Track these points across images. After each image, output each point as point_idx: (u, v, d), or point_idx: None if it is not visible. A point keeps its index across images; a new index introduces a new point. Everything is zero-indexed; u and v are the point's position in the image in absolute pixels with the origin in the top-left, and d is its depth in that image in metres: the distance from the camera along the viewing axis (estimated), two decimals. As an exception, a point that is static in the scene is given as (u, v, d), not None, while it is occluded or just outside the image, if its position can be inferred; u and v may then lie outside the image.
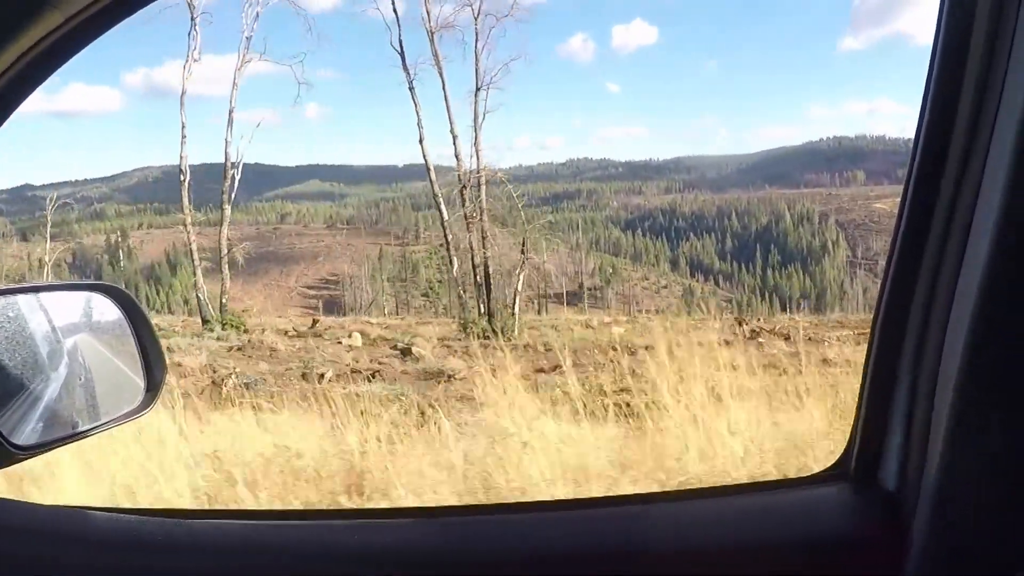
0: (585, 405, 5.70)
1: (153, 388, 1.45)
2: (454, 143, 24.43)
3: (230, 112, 25.75)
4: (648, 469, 4.62)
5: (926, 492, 1.01)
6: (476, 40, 25.20)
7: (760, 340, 13.15)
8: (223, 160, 25.76)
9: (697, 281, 76.51)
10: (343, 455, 5.26)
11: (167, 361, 1.55)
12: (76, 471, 4.78)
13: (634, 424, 5.49)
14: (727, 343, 7.05)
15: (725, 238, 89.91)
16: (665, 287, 74.01)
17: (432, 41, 24.36)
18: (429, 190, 26.23)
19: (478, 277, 23.39)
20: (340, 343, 17.55)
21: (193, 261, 25.36)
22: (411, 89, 24.48)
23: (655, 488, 4.27)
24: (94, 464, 4.98)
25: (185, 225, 25.73)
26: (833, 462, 1.25)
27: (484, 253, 23.57)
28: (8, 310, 1.34)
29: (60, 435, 1.35)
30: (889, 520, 1.07)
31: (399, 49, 24.81)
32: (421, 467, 4.93)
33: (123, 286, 1.61)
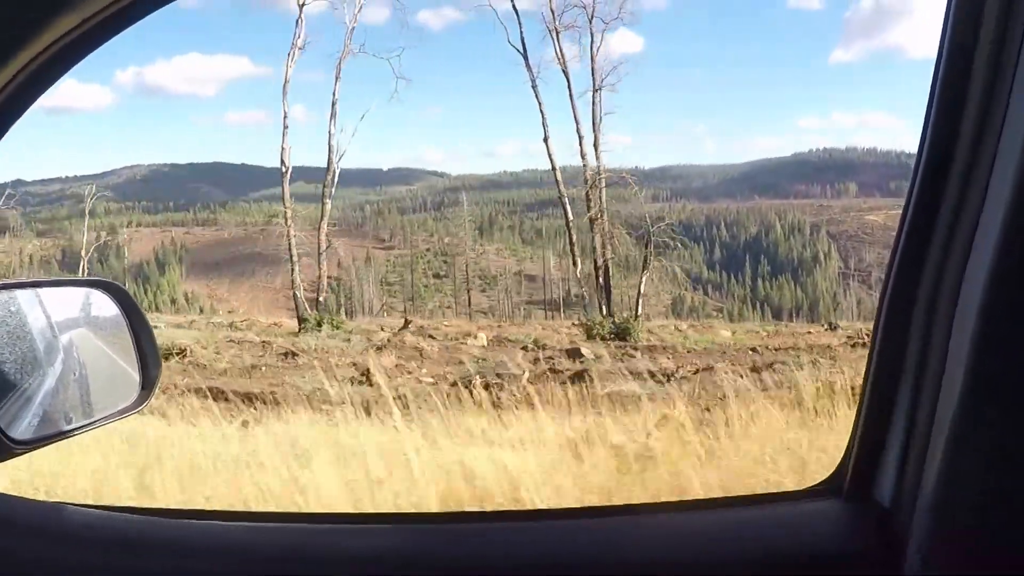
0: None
1: (148, 385, 1.44)
2: (580, 144, 24.05)
3: (333, 104, 25.11)
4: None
5: (921, 508, 1.00)
6: (592, 42, 24.79)
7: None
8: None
9: (686, 290, 76.21)
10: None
11: (162, 358, 1.52)
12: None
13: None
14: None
15: (714, 248, 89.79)
16: (655, 295, 73.66)
17: (556, 41, 23.93)
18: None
19: (600, 279, 22.98)
20: (465, 343, 17.15)
21: (292, 257, 24.88)
22: (534, 87, 24.15)
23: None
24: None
25: (286, 219, 25.36)
26: (827, 476, 1.24)
27: (606, 255, 23.12)
28: (9, 305, 1.34)
29: (55, 430, 1.34)
30: (883, 536, 1.07)
31: (521, 48, 24.37)
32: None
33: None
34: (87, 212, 51.24)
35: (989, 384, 0.92)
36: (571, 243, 25.11)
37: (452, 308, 61.26)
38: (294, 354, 14.97)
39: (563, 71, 24.37)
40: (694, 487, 4.54)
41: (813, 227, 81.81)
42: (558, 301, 62.43)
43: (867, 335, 14.20)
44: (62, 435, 1.37)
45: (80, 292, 1.63)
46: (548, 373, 12.84)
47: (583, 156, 24.13)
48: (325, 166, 25.33)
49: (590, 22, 24.76)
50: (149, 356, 1.46)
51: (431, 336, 18.16)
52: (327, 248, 25.58)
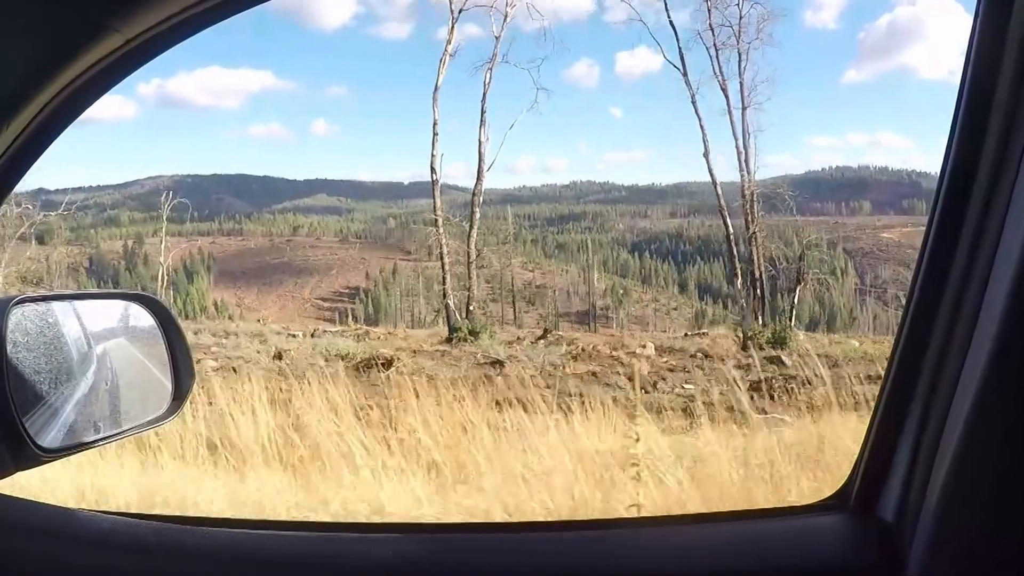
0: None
1: (180, 396, 1.47)
2: (739, 159, 23.95)
3: (482, 113, 25.44)
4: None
5: (924, 524, 1.01)
6: (740, 60, 25.12)
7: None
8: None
9: (706, 304, 77.13)
10: None
11: (195, 370, 1.57)
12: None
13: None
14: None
15: (733, 262, 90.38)
16: (675, 309, 74.48)
17: (716, 59, 24.23)
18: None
19: (757, 291, 23.31)
20: (636, 352, 16.87)
21: (443, 266, 24.81)
22: (693, 103, 24.39)
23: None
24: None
25: (437, 226, 25.12)
26: (833, 492, 1.25)
27: (761, 268, 23.56)
28: (47, 316, 1.37)
29: (83, 440, 1.37)
30: (886, 550, 1.08)
31: (680, 65, 24.80)
32: None
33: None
34: (164, 219, 51.82)
35: (996, 409, 0.92)
36: (732, 256, 25.57)
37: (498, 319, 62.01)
38: (500, 363, 14.16)
39: (721, 88, 24.82)
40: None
41: (830, 244, 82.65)
42: (584, 314, 63.28)
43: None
44: (89, 444, 1.40)
45: (118, 304, 1.66)
46: (777, 379, 12.18)
47: (742, 171, 24.62)
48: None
49: (738, 41, 25.41)
50: (183, 368, 1.48)
51: (595, 347, 17.70)
52: (476, 258, 25.49)
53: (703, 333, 23.38)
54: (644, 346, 17.79)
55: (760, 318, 23.00)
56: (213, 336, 20.18)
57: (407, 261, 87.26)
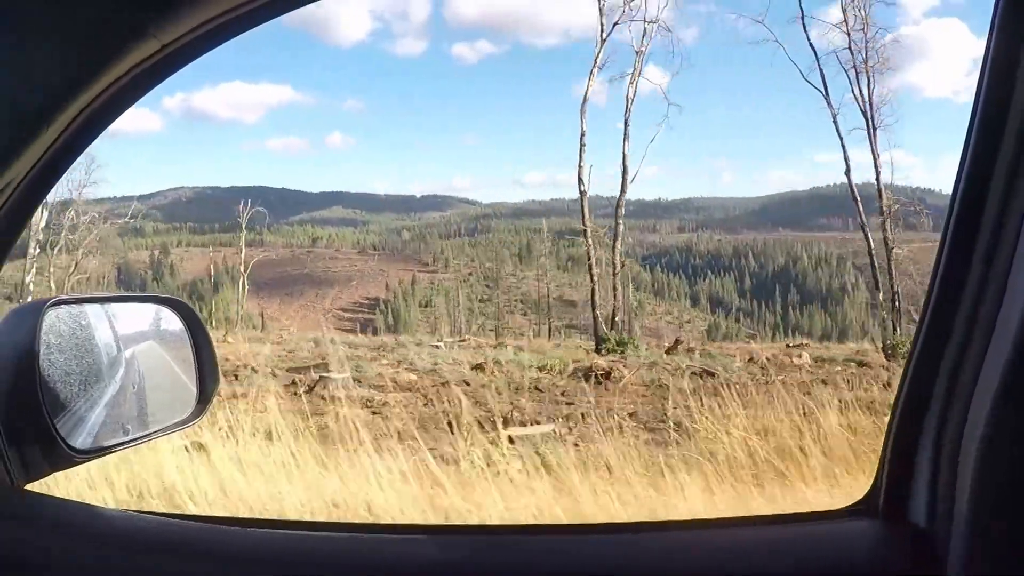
0: None
1: (205, 399, 1.49)
2: (876, 178, 24.44)
3: (625, 126, 25.40)
4: None
5: (958, 527, 0.98)
6: (868, 82, 25.22)
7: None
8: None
9: (719, 317, 78.41)
10: None
11: (220, 374, 1.59)
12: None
13: None
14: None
15: (744, 277, 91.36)
16: (688, 322, 75.48)
17: (859, 83, 24.29)
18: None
19: (896, 303, 23.85)
20: (793, 360, 16.37)
21: (592, 276, 24.58)
22: (835, 122, 24.51)
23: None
24: None
25: (585, 236, 25.02)
26: (860, 497, 1.23)
27: (896, 282, 24.08)
28: (80, 319, 1.39)
29: (115, 441, 1.38)
30: (921, 556, 1.05)
31: (822, 86, 24.68)
32: None
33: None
34: (244, 227, 51.44)
35: (1016, 409, 0.92)
36: (874, 269, 25.90)
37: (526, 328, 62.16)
38: (711, 373, 13.15)
39: (862, 110, 24.95)
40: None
41: (839, 259, 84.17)
42: (589, 327, 64.27)
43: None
44: (119, 446, 1.41)
45: (148, 308, 1.69)
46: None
47: (879, 188, 25.03)
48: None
49: (865, 63, 25.86)
50: (208, 371, 1.50)
51: (750, 356, 17.24)
52: (621, 269, 25.27)
53: (804, 344, 23.56)
54: (800, 355, 17.44)
55: (898, 329, 23.32)
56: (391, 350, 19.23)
57: (425, 272, 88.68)
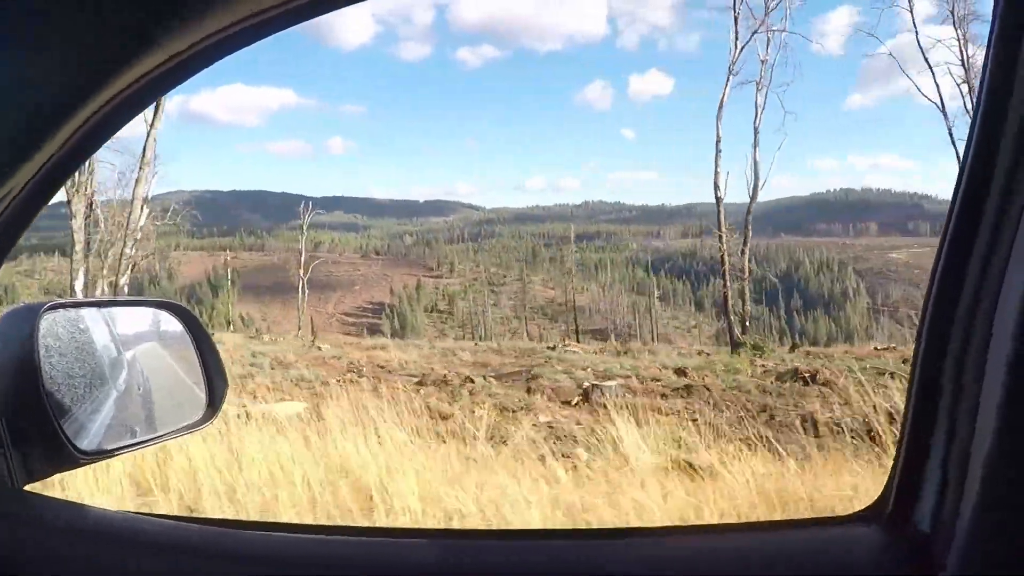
0: None
1: (214, 403, 1.48)
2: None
3: (755, 133, 26.12)
4: None
5: (960, 534, 0.98)
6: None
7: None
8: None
9: (725, 323, 77.78)
10: None
11: (228, 376, 1.57)
12: None
13: None
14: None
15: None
16: (695, 326, 75.86)
17: (971, 95, 24.39)
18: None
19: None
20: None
21: (725, 281, 25.02)
22: (950, 134, 24.98)
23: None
24: None
25: (721, 241, 25.31)
26: (870, 503, 1.21)
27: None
28: (79, 322, 1.38)
29: (121, 443, 1.38)
30: (921, 562, 1.04)
31: (940, 103, 25.13)
32: None
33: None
34: (305, 227, 51.38)
35: (1022, 415, 0.91)
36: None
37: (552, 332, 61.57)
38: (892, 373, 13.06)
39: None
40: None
41: (840, 264, 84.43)
42: (605, 331, 64.44)
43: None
44: (127, 448, 1.41)
45: (145, 312, 1.68)
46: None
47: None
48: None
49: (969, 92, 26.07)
50: (215, 374, 1.50)
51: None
52: (750, 275, 25.75)
53: (892, 348, 23.55)
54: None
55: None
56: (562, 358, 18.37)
57: (430, 277, 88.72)
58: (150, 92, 1.08)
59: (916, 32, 25.76)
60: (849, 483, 4.63)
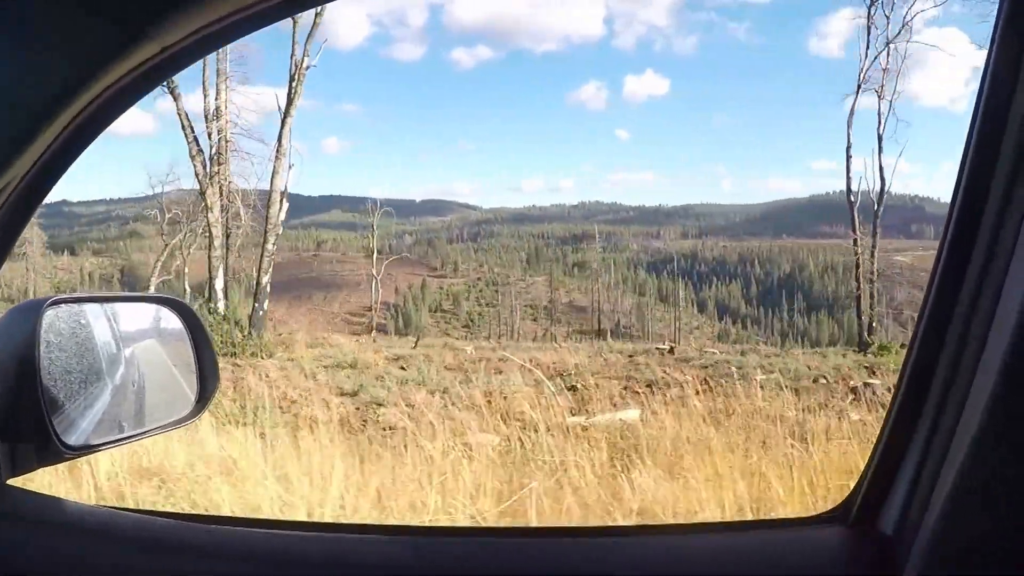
0: None
1: (203, 399, 1.48)
2: None
3: (879, 140, 25.27)
4: None
5: (922, 538, 1.00)
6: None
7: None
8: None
9: (727, 323, 78.49)
10: None
11: (219, 373, 1.59)
12: None
13: None
14: None
15: (749, 284, 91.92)
16: (697, 328, 76.03)
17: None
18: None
19: None
20: None
21: (859, 284, 24.69)
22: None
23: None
24: None
25: (855, 244, 25.06)
26: (835, 505, 1.24)
27: None
28: (80, 317, 1.39)
29: (109, 438, 1.37)
30: (883, 564, 1.08)
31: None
32: None
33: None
34: (375, 225, 50.55)
35: (1003, 428, 0.92)
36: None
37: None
38: None
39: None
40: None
41: (845, 267, 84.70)
42: (606, 331, 64.70)
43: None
44: (112, 443, 1.40)
45: (147, 308, 1.70)
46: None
47: None
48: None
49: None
50: (208, 371, 1.50)
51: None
52: (876, 277, 25.45)
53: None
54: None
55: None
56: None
57: (434, 277, 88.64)
58: (143, 84, 1.09)
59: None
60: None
